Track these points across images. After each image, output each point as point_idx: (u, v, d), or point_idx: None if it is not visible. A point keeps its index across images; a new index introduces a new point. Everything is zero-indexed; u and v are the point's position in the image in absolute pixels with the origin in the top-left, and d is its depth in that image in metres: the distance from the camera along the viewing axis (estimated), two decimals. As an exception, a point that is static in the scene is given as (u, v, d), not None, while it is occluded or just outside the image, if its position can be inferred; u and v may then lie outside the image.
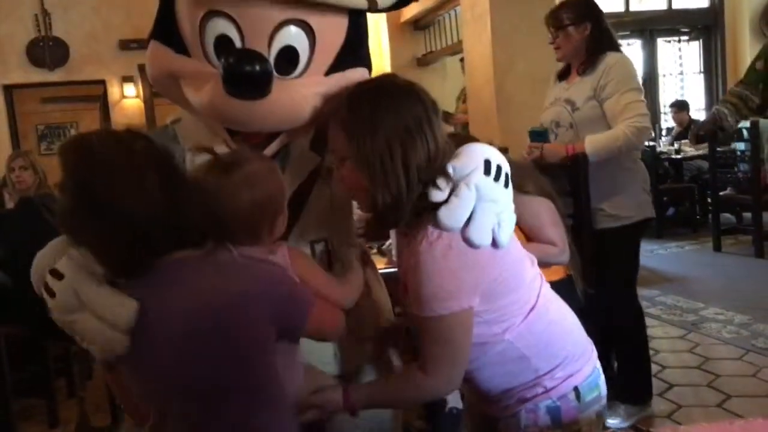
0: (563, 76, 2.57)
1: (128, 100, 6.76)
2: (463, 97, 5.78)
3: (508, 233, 1.16)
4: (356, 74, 1.26)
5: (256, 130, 1.20)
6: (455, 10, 5.90)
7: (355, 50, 1.27)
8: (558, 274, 2.18)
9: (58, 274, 1.02)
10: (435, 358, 1.16)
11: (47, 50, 6.47)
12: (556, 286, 2.14)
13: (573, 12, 2.44)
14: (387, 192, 1.11)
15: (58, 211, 1.02)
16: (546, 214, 2.07)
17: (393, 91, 1.14)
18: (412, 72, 6.95)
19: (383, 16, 7.25)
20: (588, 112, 2.39)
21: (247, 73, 1.09)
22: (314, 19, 1.18)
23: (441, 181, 1.10)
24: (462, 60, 5.53)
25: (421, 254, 1.12)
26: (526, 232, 2.08)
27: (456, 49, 5.95)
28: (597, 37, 2.43)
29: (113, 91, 6.75)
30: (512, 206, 1.18)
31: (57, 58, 6.50)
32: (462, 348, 1.17)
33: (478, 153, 1.14)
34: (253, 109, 1.13)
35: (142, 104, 6.79)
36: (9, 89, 6.62)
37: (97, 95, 7.23)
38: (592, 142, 2.34)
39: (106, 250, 0.99)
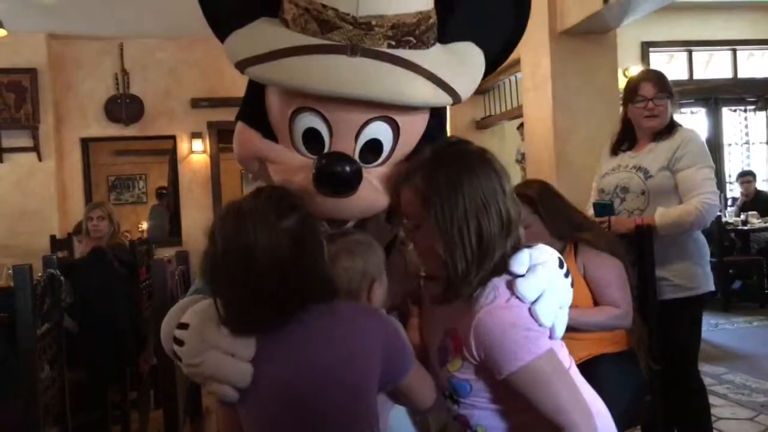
0: (622, 144, 2.56)
1: (196, 155, 7.03)
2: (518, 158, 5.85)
3: (562, 329, 1.20)
4: None
5: (342, 220, 1.24)
6: (515, 76, 5.98)
7: (435, 136, 1.31)
8: (619, 345, 2.13)
9: (184, 326, 1.11)
10: (556, 405, 1.13)
11: (124, 106, 6.83)
12: (618, 358, 2.11)
13: (669, 83, 2.48)
14: (461, 260, 1.13)
15: (206, 257, 1.10)
16: (614, 273, 2.08)
17: (469, 160, 1.17)
18: (470, 135, 7.02)
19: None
20: (661, 181, 2.39)
21: (338, 175, 1.16)
22: (400, 116, 1.21)
23: (523, 255, 1.16)
24: (518, 127, 5.60)
25: (495, 310, 1.12)
26: (592, 288, 2.06)
27: (515, 113, 6.01)
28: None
29: (182, 146, 7.04)
30: (568, 309, 1.23)
31: (132, 113, 6.84)
32: (568, 378, 1.16)
33: (551, 250, 1.22)
34: (341, 204, 1.19)
35: (208, 159, 7.06)
36: (86, 142, 6.98)
37: (167, 149, 7.56)
38: (664, 216, 2.31)
39: (245, 303, 1.06)
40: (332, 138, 1.19)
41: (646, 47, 7.00)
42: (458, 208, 1.13)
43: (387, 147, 1.24)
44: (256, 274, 1.04)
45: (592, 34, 4.66)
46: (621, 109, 2.62)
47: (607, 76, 4.64)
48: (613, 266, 2.08)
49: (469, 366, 1.16)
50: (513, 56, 5.50)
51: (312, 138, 1.21)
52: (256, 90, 1.27)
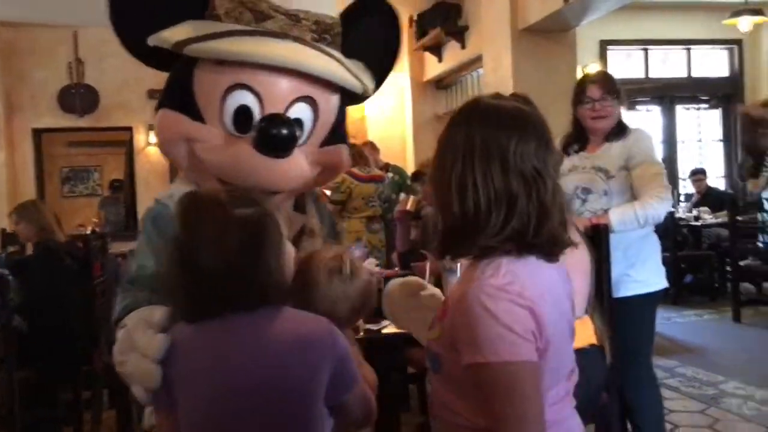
0: (572, 145, 2.59)
1: (153, 147, 6.89)
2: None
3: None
4: (340, 150, 1.45)
5: (272, 189, 1.30)
6: (477, 72, 6.02)
7: (339, 129, 1.45)
8: (581, 341, 2.16)
9: (123, 326, 1.17)
10: (507, 419, 0.99)
11: (78, 97, 6.65)
12: (582, 354, 2.13)
13: (618, 85, 2.54)
14: (446, 216, 1.09)
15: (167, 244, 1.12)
16: (583, 262, 2.11)
17: (486, 112, 1.11)
18: (432, 130, 7.05)
19: (407, 74, 7.41)
20: (622, 181, 2.45)
21: (278, 134, 1.26)
22: (320, 99, 1.35)
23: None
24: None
25: (484, 289, 1.01)
26: None
27: (477, 109, 6.04)
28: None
29: (139, 138, 6.90)
30: None
31: (87, 104, 6.68)
32: (534, 408, 1.00)
33: None
34: (277, 167, 1.28)
35: (166, 151, 6.93)
36: (38, 132, 6.79)
37: (123, 141, 7.39)
38: (617, 214, 2.36)
39: (182, 295, 1.08)
40: (263, 114, 1.29)
41: (604, 45, 7.11)
42: (448, 160, 1.08)
43: (308, 127, 1.36)
44: (206, 263, 1.04)
45: (553, 32, 4.72)
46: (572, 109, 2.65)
47: (566, 73, 4.71)
48: (584, 255, 2.13)
49: (445, 339, 1.06)
50: (475, 52, 5.58)
51: (241, 117, 1.30)
52: (182, 76, 1.34)
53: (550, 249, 1.10)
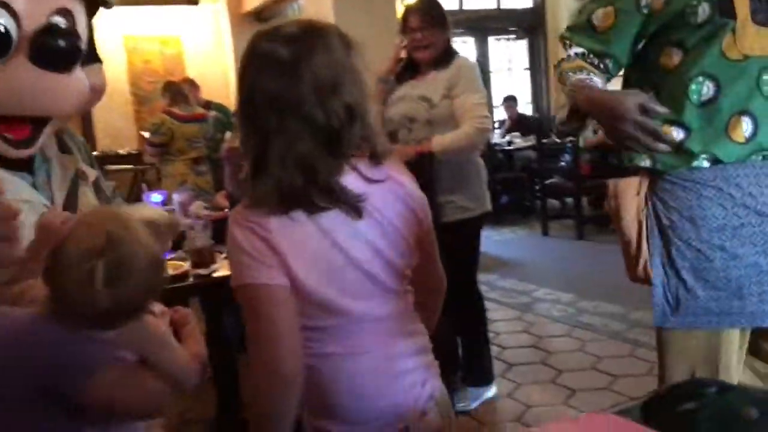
0: (404, 75, 2.64)
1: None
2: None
3: None
4: (98, 68, 1.31)
5: (54, 109, 1.16)
6: (298, 3, 5.87)
7: (93, 47, 1.31)
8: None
9: None
10: (253, 336, 1.09)
11: None
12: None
13: (442, 12, 2.56)
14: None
15: None
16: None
17: (249, 55, 1.15)
18: (254, 64, 6.82)
19: (225, 7, 7.04)
20: (444, 110, 2.50)
21: (59, 45, 1.12)
22: (75, 11, 1.21)
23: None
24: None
25: (232, 216, 1.12)
26: None
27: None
28: (450, 39, 2.58)
29: None
30: None
31: None
32: (274, 327, 1.07)
33: None
34: (61, 83, 1.14)
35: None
36: None
37: None
38: (440, 142, 2.45)
39: None
40: (21, 35, 1.11)
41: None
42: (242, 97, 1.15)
43: None
44: None
45: (370, -38, 4.70)
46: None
47: (384, 4, 4.74)
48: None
49: None
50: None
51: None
52: None
53: (317, 206, 1.07)
